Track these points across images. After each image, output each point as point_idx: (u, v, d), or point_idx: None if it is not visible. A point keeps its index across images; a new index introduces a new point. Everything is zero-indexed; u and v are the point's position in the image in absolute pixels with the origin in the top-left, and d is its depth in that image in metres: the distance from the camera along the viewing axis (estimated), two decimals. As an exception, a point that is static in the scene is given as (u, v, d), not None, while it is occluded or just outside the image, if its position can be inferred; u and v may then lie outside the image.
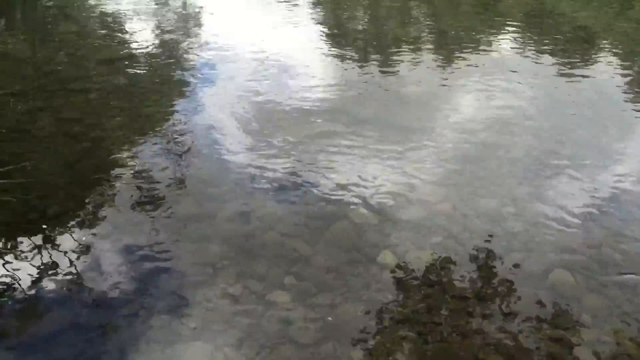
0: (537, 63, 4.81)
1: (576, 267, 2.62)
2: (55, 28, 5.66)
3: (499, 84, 4.44)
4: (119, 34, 5.35)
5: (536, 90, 4.40)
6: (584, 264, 2.64)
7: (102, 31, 5.45)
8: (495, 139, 3.71)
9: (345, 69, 4.72)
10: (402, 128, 3.83)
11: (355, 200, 3.10)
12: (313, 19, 5.88)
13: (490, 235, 2.82)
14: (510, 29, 5.52)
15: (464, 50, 5.07)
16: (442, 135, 3.76)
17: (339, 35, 5.45)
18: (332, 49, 5.10)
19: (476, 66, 4.75)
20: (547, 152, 3.55)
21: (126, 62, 4.80)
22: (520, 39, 5.27)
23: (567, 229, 2.87)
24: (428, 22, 5.91)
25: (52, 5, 6.26)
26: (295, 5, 6.18)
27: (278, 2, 6.11)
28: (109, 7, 5.99)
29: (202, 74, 4.56)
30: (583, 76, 4.68)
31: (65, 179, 3.31)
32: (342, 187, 3.21)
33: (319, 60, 4.84)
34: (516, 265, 2.64)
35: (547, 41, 5.19)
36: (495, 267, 2.64)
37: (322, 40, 5.31)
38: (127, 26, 5.54)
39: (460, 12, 6.08)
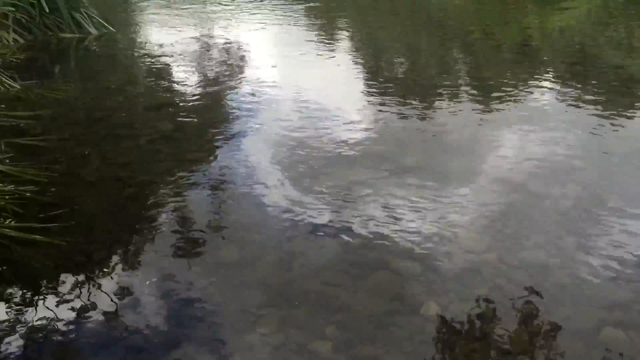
0: (580, 112, 4.75)
1: (629, 323, 2.52)
2: (106, 76, 5.89)
3: (542, 132, 4.39)
4: (165, 82, 5.52)
5: (580, 139, 4.33)
6: (638, 321, 2.54)
7: (150, 79, 5.64)
8: (540, 188, 3.64)
9: (386, 116, 4.75)
10: (444, 176, 3.81)
11: (397, 249, 3.07)
12: (353, 67, 5.97)
13: (537, 288, 2.75)
14: (552, 77, 5.49)
15: (505, 98, 5.05)
16: (486, 184, 3.73)
17: (379, 82, 5.51)
18: (373, 96, 5.15)
19: (518, 114, 4.72)
20: (595, 203, 3.47)
21: (172, 109, 4.95)
22: (563, 88, 5.22)
23: (618, 283, 2.77)
24: (468, 70, 5.93)
25: (103, 54, 6.53)
26: (335, 52, 6.29)
27: (317, 53, 6.23)
28: (157, 57, 6.21)
29: (243, 121, 4.65)
30: (629, 126, 4.59)
31: (112, 223, 3.38)
32: (384, 235, 3.19)
33: (361, 108, 4.89)
34: (564, 320, 2.56)
35: (590, 90, 5.14)
36: (542, 321, 2.56)
37: (363, 88, 5.38)
38: (173, 74, 5.72)
39: (501, 60, 6.08)
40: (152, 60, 6.08)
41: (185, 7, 8.11)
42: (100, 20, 7.01)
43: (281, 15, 7.40)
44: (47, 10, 6.53)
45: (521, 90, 5.21)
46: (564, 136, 4.35)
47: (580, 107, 4.80)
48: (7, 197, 3.41)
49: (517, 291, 2.73)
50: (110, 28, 7.00)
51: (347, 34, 7.00)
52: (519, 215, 3.37)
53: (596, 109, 4.78)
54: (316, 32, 6.82)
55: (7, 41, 6.22)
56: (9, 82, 5.20)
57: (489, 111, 4.83)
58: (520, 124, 4.53)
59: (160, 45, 6.50)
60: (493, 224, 3.30)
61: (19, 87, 5.19)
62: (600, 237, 3.14)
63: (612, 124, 4.52)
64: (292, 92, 5.11)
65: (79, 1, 6.97)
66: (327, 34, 6.82)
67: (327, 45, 6.42)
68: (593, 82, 5.36)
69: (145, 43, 6.69)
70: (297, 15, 7.35)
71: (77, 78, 5.80)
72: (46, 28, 6.70)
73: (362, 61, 6.17)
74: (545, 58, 6.09)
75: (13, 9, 6.24)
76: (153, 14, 7.90)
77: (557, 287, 2.77)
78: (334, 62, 5.97)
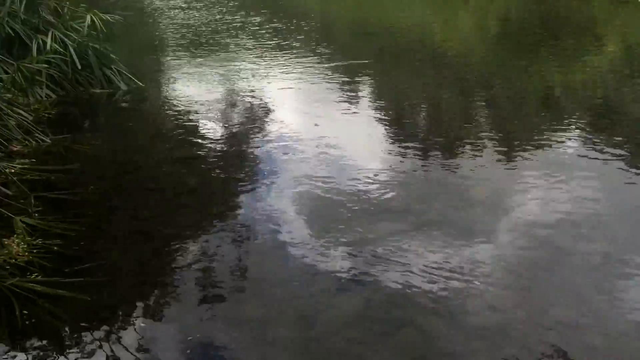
0: (606, 166, 4.69)
1: (666, 387, 2.43)
2: (134, 130, 6.02)
3: (567, 186, 4.35)
4: (193, 137, 5.62)
5: (607, 193, 4.27)
6: (675, 385, 2.45)
7: (178, 134, 5.75)
8: (567, 244, 3.58)
9: (410, 170, 4.75)
10: (469, 230, 3.77)
11: (422, 305, 3.03)
12: (378, 122, 6.02)
13: (569, 349, 2.67)
14: (576, 130, 5.46)
15: (530, 151, 5.02)
16: (511, 239, 3.68)
17: (403, 137, 5.54)
18: (397, 151, 5.16)
19: (543, 167, 4.67)
20: (625, 259, 3.39)
21: (199, 164, 5.02)
22: (588, 141, 5.19)
23: (652, 344, 2.68)
24: (491, 123, 5.94)
25: (132, 109, 6.69)
26: (361, 108, 6.36)
27: (345, 110, 6.31)
28: (185, 112, 6.34)
29: (268, 175, 4.68)
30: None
31: (136, 278, 3.40)
32: (409, 291, 3.15)
33: (385, 163, 4.90)
34: (598, 383, 2.47)
35: (616, 144, 5.09)
36: (575, 384, 2.48)
37: (387, 143, 5.40)
38: (201, 129, 5.82)
39: (524, 114, 6.09)
40: (181, 116, 6.22)
41: (216, 64, 8.31)
42: (129, 76, 7.21)
43: (313, 74, 7.50)
44: (80, 67, 6.76)
45: (545, 143, 5.19)
46: (590, 190, 4.30)
47: (606, 161, 4.75)
48: (35, 251, 3.47)
49: (548, 352, 2.65)
50: (140, 83, 7.19)
51: (372, 90, 7.09)
52: (547, 272, 3.31)
53: (622, 163, 4.73)
54: (344, 90, 6.92)
55: (40, 97, 6.42)
56: (40, 136, 5.35)
57: (513, 164, 4.81)
58: (545, 177, 4.49)
59: (189, 101, 6.65)
60: (521, 280, 3.24)
61: (50, 142, 5.33)
62: (632, 295, 3.06)
63: (638, 179, 4.47)
64: (317, 147, 5.14)
65: (110, 58, 7.20)
66: (354, 91, 6.91)
67: (354, 102, 6.48)
68: (618, 135, 5.32)
69: (174, 98, 6.84)
70: (329, 74, 7.47)
71: (106, 132, 5.94)
72: (78, 84, 6.91)
73: (386, 116, 6.21)
74: (569, 111, 6.08)
75: (47, 65, 6.47)
76: (183, 70, 8.11)
77: (589, 348, 2.68)
78: (360, 118, 6.02)
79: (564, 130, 5.46)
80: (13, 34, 6.65)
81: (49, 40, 6.62)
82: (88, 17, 7.11)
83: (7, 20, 6.65)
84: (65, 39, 6.79)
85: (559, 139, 5.27)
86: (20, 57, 6.47)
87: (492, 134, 5.51)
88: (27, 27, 6.84)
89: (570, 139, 5.25)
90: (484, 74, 7.77)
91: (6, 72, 6.15)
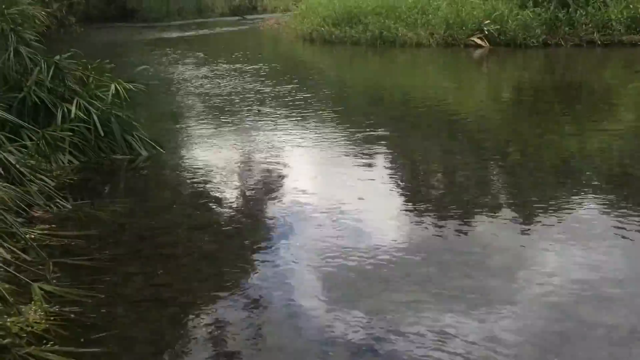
0: (626, 236, 4.60)
1: None
2: (153, 196, 6.10)
3: (588, 255, 4.28)
4: (211, 203, 5.68)
5: (630, 263, 4.20)
6: None
7: (196, 199, 5.81)
8: (592, 316, 3.50)
9: (427, 237, 4.73)
10: (489, 300, 3.71)
11: (444, 380, 2.95)
12: (395, 190, 6.03)
13: None
14: (595, 199, 5.41)
15: (547, 219, 4.97)
16: (534, 310, 3.60)
17: (420, 203, 5.54)
18: (414, 217, 5.15)
19: (562, 237, 4.61)
20: (652, 332, 3.30)
21: (216, 230, 5.05)
22: (607, 211, 5.13)
23: None
24: (508, 191, 5.92)
25: (151, 174, 6.81)
26: (377, 174, 6.39)
27: (361, 176, 6.35)
28: (203, 178, 6.42)
29: (285, 241, 4.69)
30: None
31: (150, 347, 3.37)
32: (429, 364, 3.08)
33: (402, 230, 4.88)
34: None
35: (636, 212, 5.04)
36: None
37: (404, 210, 5.40)
38: (219, 195, 5.88)
39: (542, 182, 6.07)
40: (199, 181, 6.29)
41: (241, 132, 8.43)
42: (151, 142, 7.36)
43: (338, 144, 7.55)
44: (102, 134, 6.92)
45: (564, 212, 5.15)
46: (612, 260, 4.23)
47: (627, 231, 4.67)
48: (52, 318, 3.46)
49: None
50: (161, 150, 7.33)
51: (393, 159, 7.12)
52: (571, 346, 3.22)
53: (643, 232, 4.67)
54: (362, 157, 6.97)
55: (63, 163, 6.55)
56: (61, 202, 5.43)
57: (531, 233, 4.76)
58: (565, 247, 4.43)
59: (210, 168, 6.73)
60: (544, 354, 3.15)
61: (70, 207, 5.40)
62: (661, 371, 2.96)
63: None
64: (335, 214, 5.14)
65: (132, 125, 7.38)
66: (375, 160, 6.94)
67: (373, 171, 6.49)
68: (638, 203, 5.27)
69: (193, 165, 6.94)
70: (352, 143, 7.54)
71: (125, 198, 6.01)
72: (100, 150, 7.06)
73: (405, 185, 6.21)
74: (586, 179, 6.05)
75: (71, 133, 6.65)
76: (206, 138, 8.23)
77: None
78: (379, 187, 6.02)
79: (583, 199, 5.43)
80: (39, 103, 6.87)
81: (73, 108, 6.83)
82: (112, 86, 7.35)
83: (34, 89, 6.89)
84: (90, 107, 7.00)
85: (578, 207, 5.23)
86: (45, 125, 6.66)
87: (509, 202, 5.49)
88: (53, 96, 7.08)
89: (589, 208, 5.21)
90: (500, 141, 7.82)
91: (31, 140, 6.32)
